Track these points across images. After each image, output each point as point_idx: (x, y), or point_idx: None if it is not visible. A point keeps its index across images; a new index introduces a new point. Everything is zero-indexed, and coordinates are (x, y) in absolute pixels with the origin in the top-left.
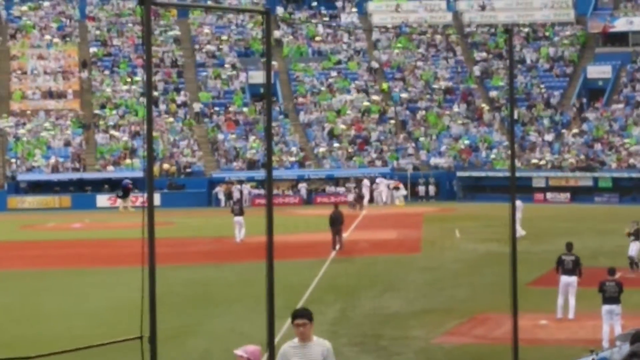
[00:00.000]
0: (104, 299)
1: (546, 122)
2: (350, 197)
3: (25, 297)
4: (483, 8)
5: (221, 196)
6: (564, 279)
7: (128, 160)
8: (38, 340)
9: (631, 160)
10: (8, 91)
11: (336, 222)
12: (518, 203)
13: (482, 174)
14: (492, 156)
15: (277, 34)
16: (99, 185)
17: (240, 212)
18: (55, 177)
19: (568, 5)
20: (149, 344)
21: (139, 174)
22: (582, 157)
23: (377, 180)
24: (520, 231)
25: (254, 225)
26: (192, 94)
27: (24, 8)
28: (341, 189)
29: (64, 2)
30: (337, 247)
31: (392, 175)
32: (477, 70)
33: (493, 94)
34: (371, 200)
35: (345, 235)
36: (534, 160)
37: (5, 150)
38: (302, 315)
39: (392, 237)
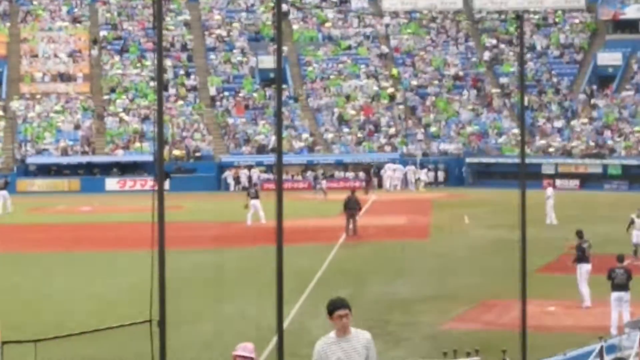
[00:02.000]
0: (113, 282)
1: (556, 108)
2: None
3: (33, 280)
4: None
5: (230, 180)
6: (588, 267)
7: (137, 144)
8: (47, 323)
9: None
10: (18, 74)
11: (350, 207)
12: (549, 191)
13: (492, 160)
14: (500, 141)
15: (284, 7)
16: (108, 169)
17: (256, 196)
18: (64, 160)
19: None
20: (158, 327)
21: (149, 157)
22: (592, 144)
23: (393, 166)
24: (553, 220)
25: (263, 209)
26: (202, 78)
27: None
28: (350, 174)
29: None
30: (350, 231)
31: (402, 161)
32: (487, 56)
33: (503, 80)
34: (380, 185)
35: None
36: (541, 142)
37: (15, 133)
38: (344, 305)
39: (401, 223)
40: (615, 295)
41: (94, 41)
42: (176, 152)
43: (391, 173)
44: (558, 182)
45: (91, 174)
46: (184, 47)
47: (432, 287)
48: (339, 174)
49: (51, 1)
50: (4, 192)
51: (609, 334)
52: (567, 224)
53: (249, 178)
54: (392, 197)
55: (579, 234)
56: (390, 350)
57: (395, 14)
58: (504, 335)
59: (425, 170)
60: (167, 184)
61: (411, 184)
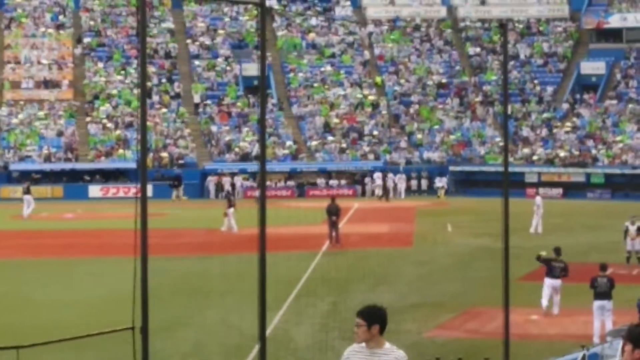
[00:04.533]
0: (96, 289)
1: (539, 117)
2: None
3: (17, 286)
4: (483, 3)
5: (211, 188)
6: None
7: (121, 151)
8: (29, 330)
9: (623, 157)
10: (1, 81)
11: (332, 214)
12: (538, 199)
13: (475, 168)
14: (482, 152)
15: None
16: (91, 176)
17: (231, 205)
18: (47, 167)
19: (562, 0)
20: (140, 334)
21: (132, 164)
22: (575, 152)
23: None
24: (538, 228)
25: (246, 217)
26: (186, 85)
27: None
28: (334, 182)
29: None
30: (333, 239)
31: (385, 169)
32: (470, 65)
33: (486, 88)
34: (364, 193)
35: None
36: (525, 150)
37: None
38: (360, 314)
39: (385, 231)
40: (597, 303)
41: (78, 40)
42: (162, 154)
43: (380, 182)
44: (541, 190)
45: (74, 181)
46: (167, 55)
47: (415, 295)
48: (320, 181)
49: (34, 8)
50: (28, 197)
51: (592, 342)
52: (550, 232)
53: (232, 185)
54: (376, 205)
55: (557, 252)
56: None
57: (379, 22)
58: (487, 343)
59: (445, 178)
60: (181, 191)
61: (399, 193)
